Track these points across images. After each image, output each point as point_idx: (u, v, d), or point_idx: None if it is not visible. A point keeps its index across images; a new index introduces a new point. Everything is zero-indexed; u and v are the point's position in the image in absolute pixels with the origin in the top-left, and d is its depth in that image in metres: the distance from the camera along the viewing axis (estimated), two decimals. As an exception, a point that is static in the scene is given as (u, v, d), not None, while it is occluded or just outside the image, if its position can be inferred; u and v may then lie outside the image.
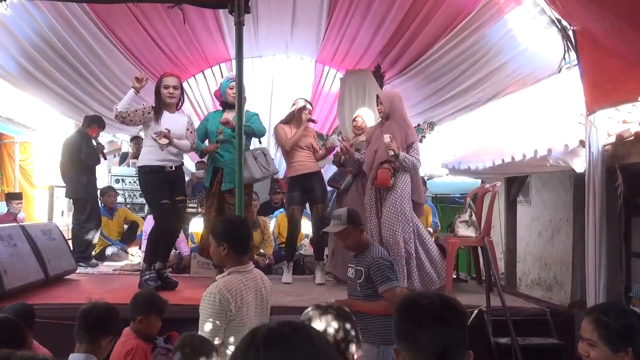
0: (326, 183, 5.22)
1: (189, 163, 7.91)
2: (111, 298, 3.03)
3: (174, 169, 4.39)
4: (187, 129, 4.47)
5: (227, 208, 4.52)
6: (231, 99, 4.62)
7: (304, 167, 5.00)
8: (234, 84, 4.61)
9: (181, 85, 4.45)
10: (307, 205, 5.22)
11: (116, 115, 4.19)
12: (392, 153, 4.42)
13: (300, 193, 5.04)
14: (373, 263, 3.02)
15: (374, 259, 3.03)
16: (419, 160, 4.53)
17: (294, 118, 5.05)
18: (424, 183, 6.28)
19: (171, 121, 4.34)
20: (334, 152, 5.25)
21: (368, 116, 5.26)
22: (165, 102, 4.32)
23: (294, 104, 5.13)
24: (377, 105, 4.72)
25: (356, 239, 3.08)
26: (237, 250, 2.49)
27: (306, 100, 5.23)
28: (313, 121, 5.40)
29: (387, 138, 4.42)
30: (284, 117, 5.24)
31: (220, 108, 4.86)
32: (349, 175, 5.09)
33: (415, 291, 3.13)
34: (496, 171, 5.27)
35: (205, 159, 5.09)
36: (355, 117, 5.30)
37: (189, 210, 6.75)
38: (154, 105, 4.34)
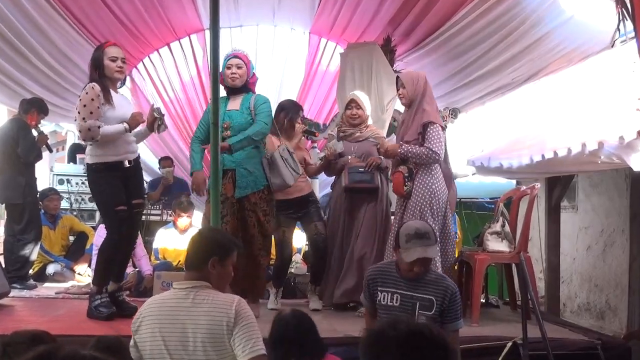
0: (350, 185, 5.05)
1: (151, 159, 7.92)
2: (54, 328, 3.01)
3: (132, 163, 4.39)
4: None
5: (248, 216, 4.51)
6: (231, 81, 4.58)
7: (294, 190, 4.98)
8: (233, 61, 4.60)
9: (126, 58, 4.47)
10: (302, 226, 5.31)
11: (90, 137, 4.12)
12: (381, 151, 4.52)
13: (291, 215, 5.11)
14: (454, 295, 3.03)
15: (454, 290, 3.04)
16: (432, 150, 4.35)
17: (284, 128, 5.02)
18: None
19: (119, 102, 4.32)
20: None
21: (365, 102, 5.22)
22: (113, 78, 4.31)
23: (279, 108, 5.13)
24: (397, 89, 4.71)
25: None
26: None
27: (296, 104, 5.28)
28: (313, 135, 5.43)
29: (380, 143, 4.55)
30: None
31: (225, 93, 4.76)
32: (376, 174, 5.01)
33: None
34: (535, 170, 5.28)
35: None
36: (349, 103, 5.19)
37: (153, 218, 6.79)
38: (92, 84, 4.22)
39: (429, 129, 4.41)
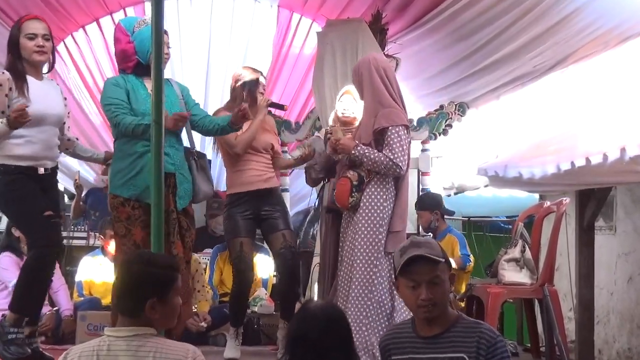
0: (332, 206, 4.96)
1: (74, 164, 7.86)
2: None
3: (49, 171, 4.38)
4: (65, 106, 4.49)
5: (186, 236, 4.50)
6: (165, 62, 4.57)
7: (257, 180, 4.98)
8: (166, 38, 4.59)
9: (51, 34, 4.40)
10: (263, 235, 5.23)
11: None
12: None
13: (248, 217, 5.01)
14: (493, 344, 2.70)
15: (492, 337, 2.73)
16: (390, 159, 4.41)
17: (238, 100, 5.04)
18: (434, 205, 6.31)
19: (42, 94, 4.30)
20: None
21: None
22: (32, 61, 4.29)
23: (236, 79, 5.13)
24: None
25: (448, 295, 2.93)
26: (113, 305, 2.61)
27: (255, 70, 5.22)
28: (281, 107, 5.39)
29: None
30: (226, 101, 5.25)
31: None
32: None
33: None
34: (562, 181, 5.33)
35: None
36: (341, 97, 5.22)
37: (76, 242, 6.71)
38: (9, 69, 4.22)
39: (387, 135, 4.47)
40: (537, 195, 6.98)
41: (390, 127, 4.45)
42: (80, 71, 7.58)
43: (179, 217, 4.47)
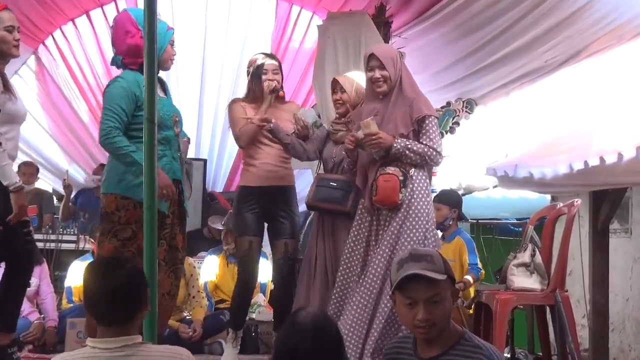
0: (312, 203, 4.98)
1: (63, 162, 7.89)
2: None
3: None
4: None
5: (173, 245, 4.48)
6: (171, 63, 4.56)
7: (269, 176, 4.94)
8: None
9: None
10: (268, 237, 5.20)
11: None
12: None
13: (257, 214, 4.97)
14: None
15: None
16: (434, 150, 4.39)
17: (253, 89, 5.00)
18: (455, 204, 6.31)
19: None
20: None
21: (363, 80, 5.10)
22: (10, 54, 4.27)
23: (250, 64, 5.09)
24: (370, 70, 4.61)
25: (450, 314, 2.77)
26: (95, 318, 2.56)
27: (267, 55, 5.17)
28: (277, 93, 5.10)
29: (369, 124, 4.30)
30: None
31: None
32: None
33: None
34: (575, 181, 5.33)
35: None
36: (332, 86, 5.08)
37: (65, 246, 6.70)
38: None
39: (426, 123, 4.43)
40: (548, 197, 6.98)
41: (428, 116, 4.43)
42: (69, 66, 7.59)
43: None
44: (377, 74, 4.48)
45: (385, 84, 4.50)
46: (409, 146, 4.36)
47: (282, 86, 5.09)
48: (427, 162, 4.44)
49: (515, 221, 8.35)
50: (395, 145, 4.33)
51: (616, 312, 6.18)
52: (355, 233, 4.54)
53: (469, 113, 6.85)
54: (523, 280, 4.92)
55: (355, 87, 4.92)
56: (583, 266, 6.01)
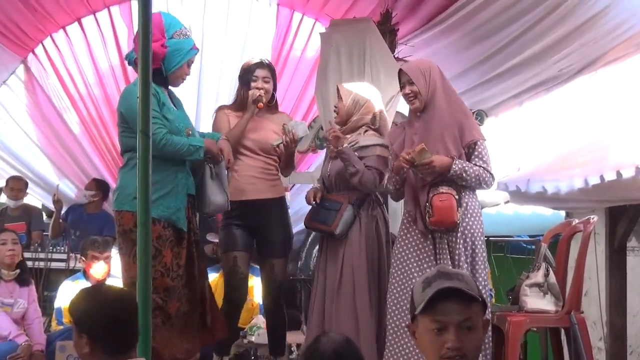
0: (305, 223, 5.05)
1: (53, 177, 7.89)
2: None
3: None
4: None
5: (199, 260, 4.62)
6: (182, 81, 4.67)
7: (251, 189, 4.94)
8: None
9: None
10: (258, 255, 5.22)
11: None
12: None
13: (243, 228, 4.96)
14: None
15: None
16: (489, 172, 4.55)
17: (241, 96, 5.04)
18: None
19: None
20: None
21: (367, 93, 5.07)
22: None
23: (241, 68, 5.18)
24: (402, 87, 4.65)
25: (480, 348, 2.60)
26: (102, 346, 2.56)
27: (260, 61, 5.19)
28: (257, 104, 5.03)
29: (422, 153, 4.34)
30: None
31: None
32: (347, 206, 4.87)
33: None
34: (591, 197, 5.32)
35: None
36: (337, 93, 5.06)
37: (55, 265, 6.68)
38: None
39: (478, 145, 4.54)
40: (563, 213, 6.97)
41: (480, 140, 4.57)
42: (60, 76, 7.58)
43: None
44: (407, 89, 4.60)
45: (416, 100, 4.59)
46: (466, 169, 4.46)
47: (273, 95, 5.13)
48: (480, 185, 4.55)
49: (528, 239, 8.35)
50: (454, 167, 4.42)
51: (634, 335, 6.16)
52: (417, 258, 4.56)
53: (480, 124, 6.83)
54: (536, 301, 4.90)
55: (352, 97, 4.94)
56: (599, 286, 5.99)
